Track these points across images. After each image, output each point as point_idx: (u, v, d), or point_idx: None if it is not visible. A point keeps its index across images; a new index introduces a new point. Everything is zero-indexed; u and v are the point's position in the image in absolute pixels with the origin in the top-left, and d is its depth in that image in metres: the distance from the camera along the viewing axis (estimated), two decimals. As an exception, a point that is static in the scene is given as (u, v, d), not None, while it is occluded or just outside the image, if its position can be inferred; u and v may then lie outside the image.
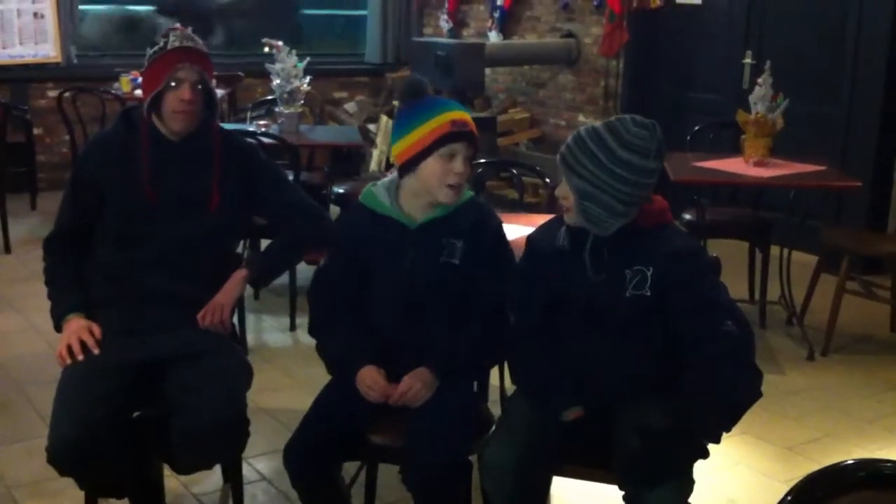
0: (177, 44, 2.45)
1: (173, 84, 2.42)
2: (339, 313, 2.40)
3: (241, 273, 2.56)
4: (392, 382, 2.29)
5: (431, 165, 2.27)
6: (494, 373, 2.62)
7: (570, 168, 2.15)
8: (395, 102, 2.38)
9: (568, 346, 2.20)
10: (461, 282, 2.34)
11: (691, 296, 2.12)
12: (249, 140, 4.05)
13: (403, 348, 2.34)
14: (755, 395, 2.11)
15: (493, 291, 2.34)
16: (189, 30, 2.53)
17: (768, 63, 4.33)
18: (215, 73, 2.59)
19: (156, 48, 2.47)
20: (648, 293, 2.13)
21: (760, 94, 4.26)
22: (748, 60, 5.96)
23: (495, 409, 2.53)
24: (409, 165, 2.30)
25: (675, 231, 2.25)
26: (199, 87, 2.46)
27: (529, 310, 2.27)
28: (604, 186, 2.10)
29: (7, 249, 5.47)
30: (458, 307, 2.35)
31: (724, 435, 2.10)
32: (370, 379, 2.29)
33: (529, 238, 2.36)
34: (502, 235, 2.43)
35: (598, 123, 2.19)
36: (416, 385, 2.27)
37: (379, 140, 6.54)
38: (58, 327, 2.47)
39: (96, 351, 2.36)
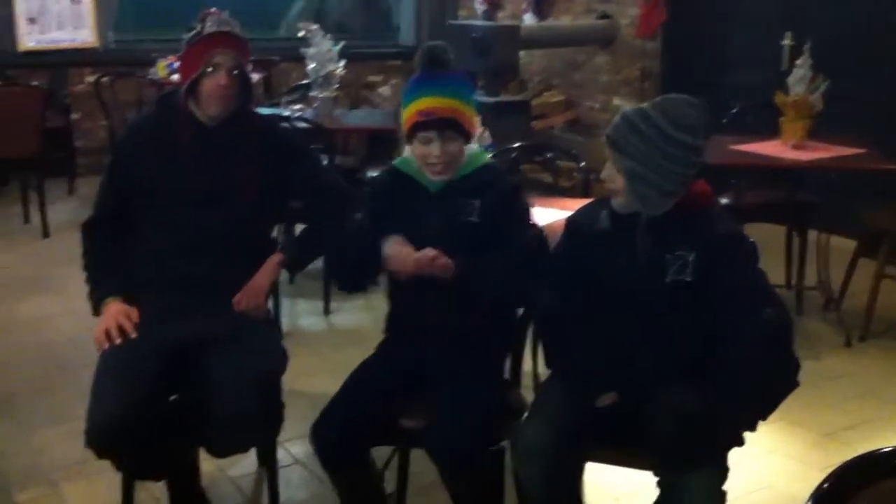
0: (213, 28, 2.46)
1: (210, 69, 2.44)
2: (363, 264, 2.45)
3: (276, 257, 2.59)
4: (416, 351, 2.36)
5: (415, 147, 2.40)
6: (528, 358, 2.62)
7: (619, 149, 2.14)
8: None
9: (605, 330, 2.19)
10: (482, 239, 2.36)
11: (732, 280, 2.10)
12: (284, 124, 4.09)
13: (427, 309, 2.37)
14: (792, 384, 2.10)
15: (514, 240, 2.36)
16: (226, 13, 2.54)
17: (808, 44, 4.26)
18: (252, 57, 2.60)
19: (192, 33, 2.49)
20: (689, 279, 2.11)
21: (799, 76, 4.19)
22: (787, 41, 5.83)
23: (529, 395, 2.52)
24: (408, 138, 2.42)
25: (718, 214, 2.23)
26: (236, 72, 2.47)
27: (565, 292, 2.26)
28: (655, 167, 2.09)
29: (46, 234, 5.55)
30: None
31: (761, 422, 2.08)
32: (396, 250, 2.33)
33: (569, 220, 2.36)
34: (518, 191, 2.49)
35: (643, 104, 2.17)
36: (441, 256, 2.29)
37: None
38: (96, 311, 2.50)
39: (134, 335, 2.39)
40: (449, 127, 2.35)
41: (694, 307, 2.12)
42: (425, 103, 2.35)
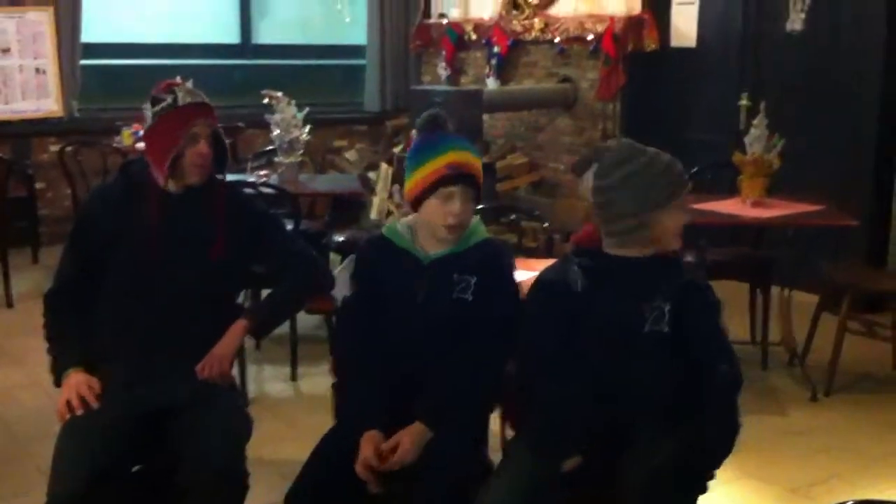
0: (188, 99, 2.48)
1: (190, 140, 2.46)
2: (360, 356, 2.40)
3: (240, 323, 2.57)
4: (401, 427, 2.28)
5: (432, 205, 2.32)
6: (495, 419, 2.61)
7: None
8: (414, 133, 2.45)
9: (579, 387, 2.19)
10: (474, 318, 2.33)
11: (698, 327, 2.15)
12: (249, 190, 4.10)
13: (417, 382, 2.33)
14: (729, 446, 2.13)
15: (493, 329, 2.34)
16: (190, 82, 2.56)
17: (763, 104, 4.37)
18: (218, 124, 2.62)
19: (164, 104, 2.48)
20: (666, 329, 2.14)
21: (756, 135, 4.29)
22: (744, 102, 5.98)
23: (496, 457, 2.51)
24: (414, 204, 2.37)
25: (686, 264, 2.31)
26: (211, 139, 2.51)
27: (536, 356, 2.27)
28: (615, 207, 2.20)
29: (9, 304, 5.48)
30: (471, 343, 2.34)
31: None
32: (366, 450, 2.25)
33: (540, 279, 2.35)
34: (512, 274, 2.45)
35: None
36: (404, 445, 2.25)
37: (379, 188, 6.57)
38: (58, 382, 2.48)
39: (96, 406, 2.36)
40: (472, 184, 2.34)
41: (669, 356, 2.15)
42: (455, 157, 2.31)
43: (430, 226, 2.36)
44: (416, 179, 2.34)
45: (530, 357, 2.29)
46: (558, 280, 2.29)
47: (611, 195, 2.19)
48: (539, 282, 2.36)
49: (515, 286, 2.44)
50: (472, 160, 2.36)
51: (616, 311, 2.18)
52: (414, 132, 2.48)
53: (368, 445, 2.26)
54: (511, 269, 2.45)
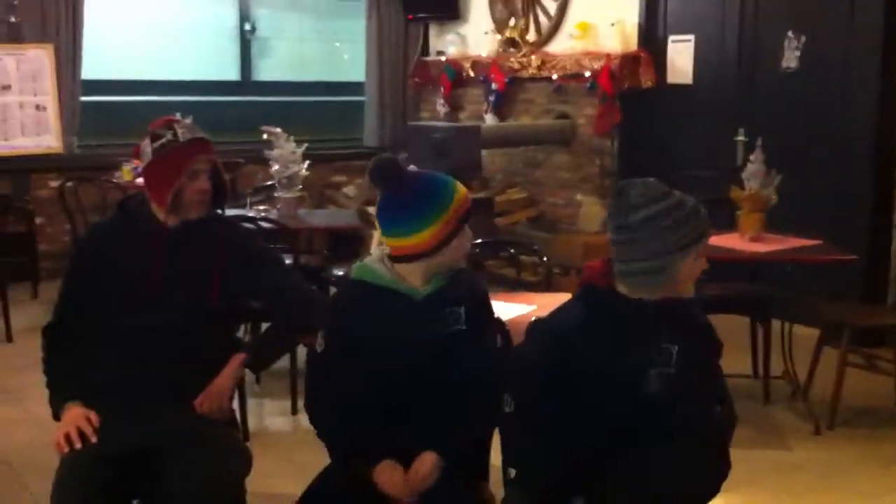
0: (189, 136, 2.49)
1: (191, 175, 2.47)
2: (345, 405, 2.33)
3: (238, 358, 2.57)
4: (405, 466, 2.26)
5: (457, 241, 2.29)
6: (496, 452, 2.59)
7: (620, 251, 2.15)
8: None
9: (578, 435, 2.14)
10: (469, 346, 2.32)
11: (698, 369, 2.11)
12: (248, 225, 4.12)
13: (415, 418, 2.29)
14: (714, 489, 2.13)
15: (486, 355, 2.33)
16: (189, 119, 2.58)
17: (760, 140, 4.39)
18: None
19: (163, 141, 2.48)
20: (672, 370, 2.08)
21: (753, 171, 4.31)
22: (740, 137, 6.04)
23: (498, 490, 2.49)
24: (439, 247, 2.28)
25: (693, 303, 2.22)
26: (211, 175, 2.53)
27: (531, 402, 2.20)
28: (633, 253, 2.11)
29: (9, 338, 5.47)
30: (467, 370, 2.32)
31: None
32: (389, 480, 2.24)
33: (546, 324, 2.25)
34: (489, 299, 2.46)
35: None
36: (422, 473, 2.24)
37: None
38: (56, 416, 2.47)
39: (94, 439, 2.35)
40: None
41: (672, 397, 2.09)
42: (462, 187, 2.32)
43: (449, 264, 2.32)
44: (438, 226, 2.25)
45: (521, 403, 2.21)
46: (563, 321, 2.21)
47: (634, 234, 2.09)
48: (546, 326, 2.25)
49: (492, 312, 2.45)
50: None
51: (622, 353, 2.11)
52: (368, 181, 2.37)
53: (394, 473, 2.23)
54: (487, 295, 2.46)
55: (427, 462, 2.24)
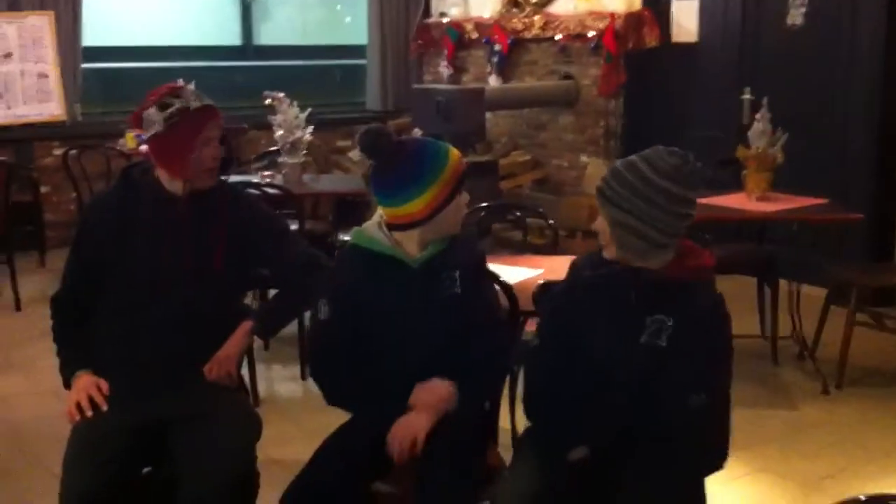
0: (198, 104, 2.46)
1: (203, 143, 2.45)
2: (350, 371, 2.35)
3: (246, 325, 2.57)
4: (390, 420, 2.27)
5: (454, 205, 2.30)
6: (504, 416, 2.60)
7: (605, 198, 2.12)
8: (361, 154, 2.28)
9: (580, 387, 2.17)
10: (465, 309, 2.33)
11: (693, 350, 2.10)
12: (252, 191, 4.10)
13: (413, 385, 2.30)
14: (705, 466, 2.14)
15: (485, 314, 2.36)
16: (192, 85, 2.55)
17: (765, 98, 4.36)
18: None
19: (173, 108, 2.44)
20: (664, 344, 2.09)
21: (760, 130, 4.28)
22: (746, 96, 5.99)
23: (506, 453, 2.50)
24: (433, 215, 2.28)
25: (706, 285, 2.19)
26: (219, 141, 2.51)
27: (539, 361, 2.24)
28: (640, 214, 2.07)
29: (17, 307, 5.49)
30: (464, 335, 2.34)
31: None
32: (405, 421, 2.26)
33: (551, 290, 2.33)
34: (484, 259, 2.47)
35: (633, 156, 2.16)
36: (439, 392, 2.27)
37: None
38: (67, 384, 2.48)
39: (105, 407, 2.36)
40: None
41: (663, 372, 2.10)
42: (456, 151, 2.32)
43: (447, 230, 2.32)
44: (432, 193, 2.25)
45: (533, 361, 2.26)
46: (585, 267, 2.22)
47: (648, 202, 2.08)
48: (549, 292, 2.33)
49: (489, 272, 2.47)
50: None
51: (619, 316, 2.13)
52: (359, 152, 2.36)
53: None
54: (483, 255, 2.47)
55: (446, 384, 2.26)
